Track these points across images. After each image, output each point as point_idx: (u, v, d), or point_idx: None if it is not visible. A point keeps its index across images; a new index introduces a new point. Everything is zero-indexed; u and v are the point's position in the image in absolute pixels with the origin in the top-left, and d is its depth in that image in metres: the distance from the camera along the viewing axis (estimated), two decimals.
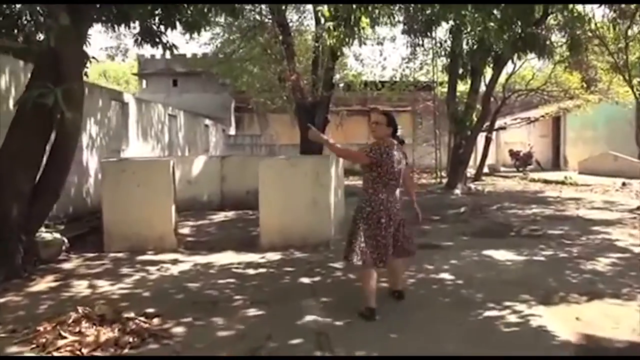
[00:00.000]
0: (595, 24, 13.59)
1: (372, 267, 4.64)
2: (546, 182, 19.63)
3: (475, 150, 19.89)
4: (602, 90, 21.18)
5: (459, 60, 16.53)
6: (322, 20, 11.83)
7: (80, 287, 5.68)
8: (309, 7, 16.86)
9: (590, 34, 14.20)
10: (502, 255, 6.95)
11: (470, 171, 20.59)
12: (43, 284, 5.87)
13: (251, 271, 6.28)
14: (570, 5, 11.08)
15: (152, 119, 14.87)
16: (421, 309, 4.81)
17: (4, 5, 10.38)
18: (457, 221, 10.22)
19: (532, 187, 18.14)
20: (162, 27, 9.66)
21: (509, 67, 20.18)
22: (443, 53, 18.10)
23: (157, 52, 10.28)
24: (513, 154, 26.83)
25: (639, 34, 14.98)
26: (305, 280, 5.83)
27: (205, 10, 9.40)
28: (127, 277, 6.07)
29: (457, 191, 15.72)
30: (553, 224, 9.55)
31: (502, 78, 19.95)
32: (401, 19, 16.54)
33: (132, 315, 4.49)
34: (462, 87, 19.03)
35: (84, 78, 12.12)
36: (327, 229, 7.68)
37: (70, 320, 4.25)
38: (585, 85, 21.51)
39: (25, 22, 9.55)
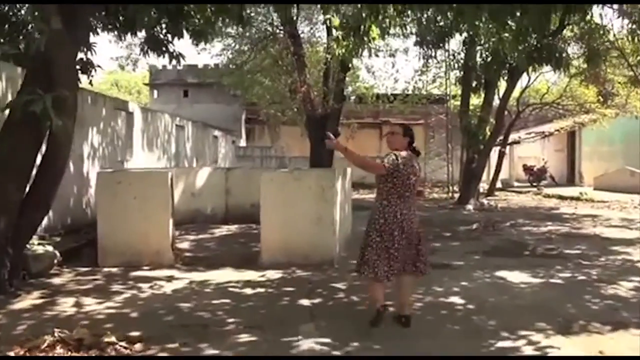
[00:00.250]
0: (614, 35, 13.19)
1: (384, 280, 4.60)
2: (561, 198, 19.11)
3: (488, 164, 19.45)
4: (619, 104, 20.70)
5: (472, 73, 16.19)
6: (333, 31, 11.56)
7: (66, 305, 5.35)
8: (321, 17, 16.63)
9: (608, 44, 13.78)
10: (516, 276, 6.54)
11: (483, 186, 20.13)
12: (28, 300, 5.55)
13: (249, 291, 5.92)
14: (588, 16, 10.69)
15: (159, 129, 14.61)
16: (428, 338, 4.42)
17: (10, 13, 10.25)
18: (469, 238, 9.80)
19: (546, 203, 17.66)
20: (169, 36, 9.50)
21: (523, 81, 19.86)
22: (456, 65, 17.80)
23: (169, 62, 10.01)
24: (527, 169, 26.31)
25: None
26: (305, 302, 5.46)
27: (213, 18, 9.19)
28: (116, 295, 5.73)
29: (470, 207, 15.28)
30: (569, 243, 9.11)
31: (516, 92, 19.57)
32: (414, 30, 16.32)
33: (112, 339, 4.13)
34: (476, 100, 18.65)
35: (90, 87, 11.95)
36: (331, 247, 7.31)
37: (45, 345, 3.91)
38: (601, 99, 21.03)
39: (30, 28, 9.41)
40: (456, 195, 18.27)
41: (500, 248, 8.73)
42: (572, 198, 18.51)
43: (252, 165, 25.70)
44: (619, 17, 12.12)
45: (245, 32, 19.79)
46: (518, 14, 9.11)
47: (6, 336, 4.36)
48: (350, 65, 16.80)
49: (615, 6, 11.56)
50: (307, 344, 4.23)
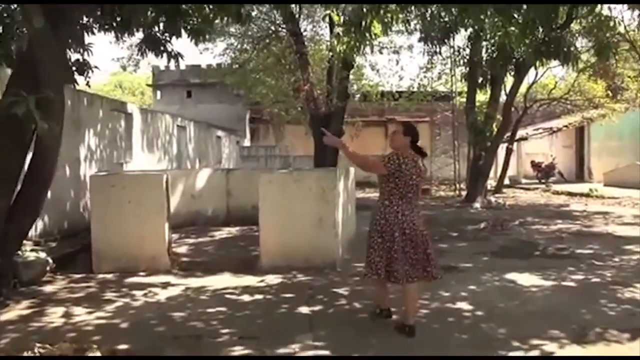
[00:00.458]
0: (625, 27, 12.83)
1: (386, 282, 4.54)
2: (570, 194, 18.76)
3: (495, 161, 19.12)
4: (629, 98, 20.30)
5: (478, 69, 15.85)
6: (335, 27, 11.30)
7: (54, 316, 5.11)
8: (323, 14, 16.38)
9: (619, 37, 13.41)
10: (526, 279, 6.24)
11: (491, 183, 19.80)
12: (15, 311, 5.32)
13: (246, 298, 5.65)
14: (598, 8, 10.35)
15: (159, 130, 14.39)
16: (434, 348, 4.14)
17: (4, 14, 10.03)
18: (477, 238, 9.50)
19: (555, 200, 17.31)
20: (167, 35, 9.28)
21: (530, 76, 19.48)
22: (462, 61, 17.47)
23: (167, 61, 9.76)
24: (535, 166, 25.97)
25: None
26: (304, 309, 5.19)
27: (211, 16, 8.95)
28: (108, 304, 5.48)
29: (477, 205, 14.96)
30: (581, 242, 8.79)
31: (523, 87, 19.21)
32: (418, 26, 16.01)
33: (97, 354, 3.89)
34: (482, 96, 18.32)
35: (87, 88, 11.71)
36: (333, 249, 7.03)
37: None
38: (610, 94, 20.64)
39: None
40: (463, 193, 17.95)
41: (510, 248, 8.43)
42: (581, 195, 18.16)
43: (256, 165, 25.47)
44: (629, 8, 11.74)
45: (247, 31, 19.61)
46: (524, 6, 8.83)
47: None
48: (353, 62, 16.54)
49: None
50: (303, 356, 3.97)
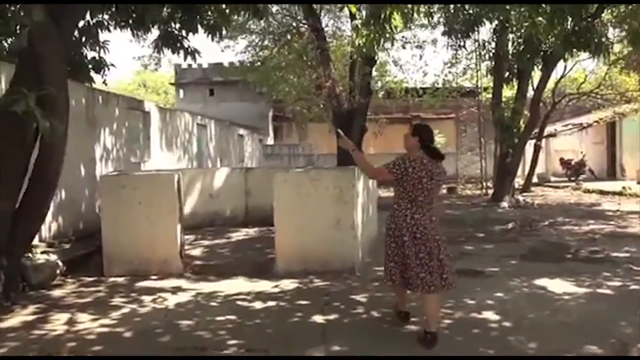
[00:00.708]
0: None
1: (405, 288, 4.44)
2: (602, 193, 18.07)
3: (523, 159, 18.53)
4: None
5: (504, 62, 15.32)
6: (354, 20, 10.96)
7: (58, 323, 4.88)
8: (345, 10, 16.06)
9: None
10: (557, 286, 5.82)
11: (518, 181, 19.24)
12: (19, 317, 5.12)
13: (258, 305, 5.36)
14: None
15: (178, 128, 14.21)
16: None
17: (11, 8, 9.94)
18: (504, 240, 9.07)
19: (586, 199, 16.68)
20: (183, 32, 9.10)
21: (558, 70, 18.84)
22: (487, 55, 16.96)
23: (184, 58, 9.59)
24: (564, 163, 25.22)
25: None
26: (319, 319, 4.87)
27: (227, 11, 8.72)
28: (114, 310, 5.24)
29: (504, 204, 14.46)
30: (616, 244, 8.30)
31: (551, 82, 18.59)
32: (441, 19, 15.58)
33: None
34: (509, 92, 17.76)
35: (103, 87, 11.57)
36: (352, 252, 6.70)
37: None
38: None
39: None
40: (490, 192, 17.46)
41: (539, 251, 7.99)
42: (614, 193, 17.45)
43: (279, 164, 25.26)
44: None
45: (268, 27, 19.39)
46: None
47: None
48: (375, 58, 16.18)
49: None
50: None
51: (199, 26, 8.76)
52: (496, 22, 13.09)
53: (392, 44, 15.47)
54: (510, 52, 14.50)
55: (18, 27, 6.86)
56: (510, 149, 15.41)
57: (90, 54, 10.12)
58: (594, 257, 7.40)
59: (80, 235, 8.79)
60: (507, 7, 9.79)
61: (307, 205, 6.69)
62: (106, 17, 8.98)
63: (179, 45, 9.29)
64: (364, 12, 9.49)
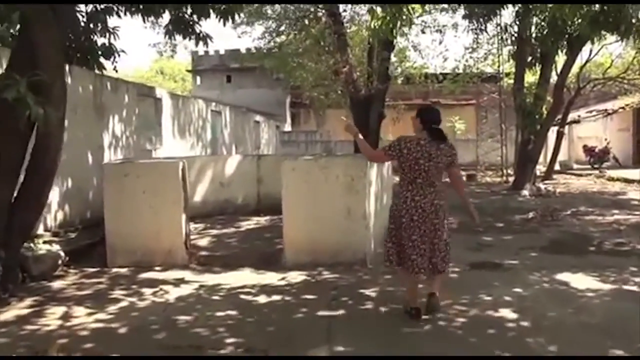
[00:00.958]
0: None
1: (401, 270, 4.46)
2: (627, 181, 17.46)
3: (545, 146, 18.01)
4: None
5: (527, 46, 14.76)
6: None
7: (52, 317, 4.68)
8: None
9: None
10: (580, 281, 5.47)
11: (540, 169, 18.71)
12: (14, 310, 4.93)
13: (262, 299, 5.11)
14: None
15: (191, 115, 14.00)
16: None
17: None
18: (524, 230, 8.71)
19: (610, 188, 16.12)
20: (194, 17, 8.84)
21: (583, 55, 18.18)
22: (509, 39, 16.39)
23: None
24: (587, 150, 24.51)
25: None
26: (325, 314, 4.60)
27: None
28: (113, 304, 5.03)
29: (525, 192, 14.01)
30: None
31: (575, 67, 17.96)
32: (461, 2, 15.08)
33: None
34: (531, 77, 17.19)
35: (114, 73, 11.35)
36: (363, 243, 6.41)
37: None
38: None
39: None
40: (511, 180, 16.99)
41: (561, 242, 7.62)
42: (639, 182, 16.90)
43: (296, 151, 24.99)
44: None
45: (286, 13, 19.05)
46: None
47: None
48: (394, 42, 15.79)
49: None
50: None
51: (210, 11, 8.51)
52: (519, 4, 12.58)
53: (410, 27, 15.02)
54: (534, 35, 13.98)
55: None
56: (532, 135, 14.90)
57: (101, 41, 9.96)
58: (619, 250, 7.02)
59: (88, 224, 8.62)
60: None
61: (317, 195, 6.41)
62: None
63: (190, 30, 9.04)
64: None
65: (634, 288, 5.25)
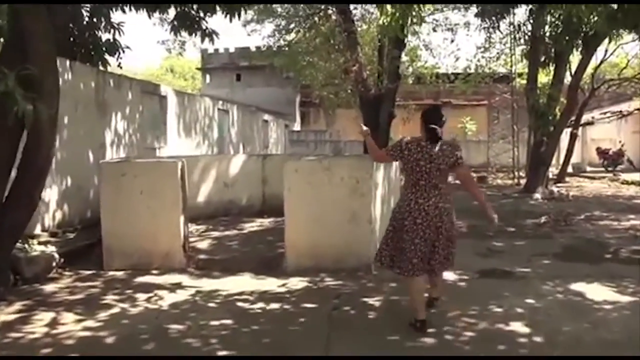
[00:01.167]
0: None
1: (390, 270, 4.43)
2: None
3: (558, 148, 17.63)
4: None
5: (540, 46, 14.41)
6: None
7: (39, 324, 4.46)
8: None
9: None
10: (596, 291, 5.18)
11: (553, 171, 18.34)
12: (1, 315, 4.72)
13: (259, 307, 4.86)
14: None
15: (198, 113, 13.80)
16: None
17: None
18: (537, 236, 8.41)
19: (625, 191, 15.74)
20: (200, 13, 8.65)
21: (598, 55, 17.80)
22: (522, 39, 16.04)
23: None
24: (601, 153, 24.13)
25: None
26: (324, 326, 4.34)
27: None
28: (103, 310, 4.81)
29: (537, 195, 13.67)
30: None
31: (590, 67, 17.57)
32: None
33: None
34: (545, 77, 16.83)
35: (118, 69, 11.17)
36: (368, 249, 6.12)
37: None
38: None
39: None
40: (522, 182, 16.64)
41: (575, 249, 7.32)
42: None
43: (305, 151, 24.75)
44: None
45: (296, 10, 18.82)
46: None
47: None
48: (404, 41, 15.52)
49: None
50: None
51: (216, 7, 8.30)
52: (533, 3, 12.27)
53: (421, 25, 14.74)
54: (548, 34, 13.64)
55: None
56: (545, 137, 14.56)
57: (105, 37, 9.79)
58: (637, 258, 6.70)
59: (87, 224, 8.42)
60: None
61: (321, 197, 6.15)
62: None
63: (196, 26, 8.85)
64: None
65: None
